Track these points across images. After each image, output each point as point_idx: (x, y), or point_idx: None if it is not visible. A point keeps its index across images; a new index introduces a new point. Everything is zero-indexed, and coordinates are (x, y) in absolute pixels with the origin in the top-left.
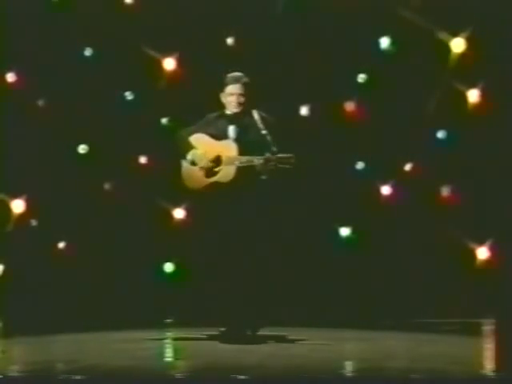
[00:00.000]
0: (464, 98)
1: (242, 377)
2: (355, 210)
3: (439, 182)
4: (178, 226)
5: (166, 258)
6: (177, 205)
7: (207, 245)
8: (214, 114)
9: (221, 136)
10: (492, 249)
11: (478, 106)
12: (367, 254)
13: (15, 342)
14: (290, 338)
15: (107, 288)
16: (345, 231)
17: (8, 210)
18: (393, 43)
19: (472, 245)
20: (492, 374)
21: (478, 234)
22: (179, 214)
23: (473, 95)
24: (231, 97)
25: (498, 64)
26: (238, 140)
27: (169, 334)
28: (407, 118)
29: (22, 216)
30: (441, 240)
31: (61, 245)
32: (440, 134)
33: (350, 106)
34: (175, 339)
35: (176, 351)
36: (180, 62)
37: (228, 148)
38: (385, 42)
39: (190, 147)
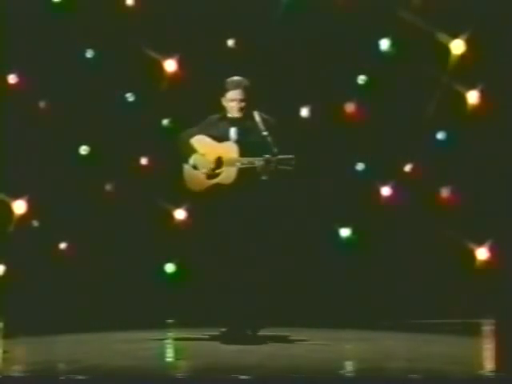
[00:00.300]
0: (463, 100)
1: (243, 377)
2: (355, 210)
3: (439, 182)
4: (179, 226)
5: (166, 258)
6: (178, 206)
7: (208, 245)
8: (216, 116)
9: (222, 138)
10: (492, 249)
11: (478, 107)
12: (367, 254)
13: (17, 342)
14: (290, 338)
15: (108, 288)
16: (345, 232)
17: (9, 210)
18: (393, 45)
19: (472, 245)
20: (492, 374)
21: (477, 234)
22: (180, 214)
23: (472, 96)
24: (232, 102)
25: (497, 65)
26: (239, 142)
27: (170, 335)
28: (407, 119)
29: (23, 217)
30: (440, 240)
31: (62, 245)
32: (440, 135)
33: (350, 107)
34: (176, 339)
35: (177, 351)
36: (181, 64)
37: (229, 150)
38: (385, 44)
39: (191, 149)
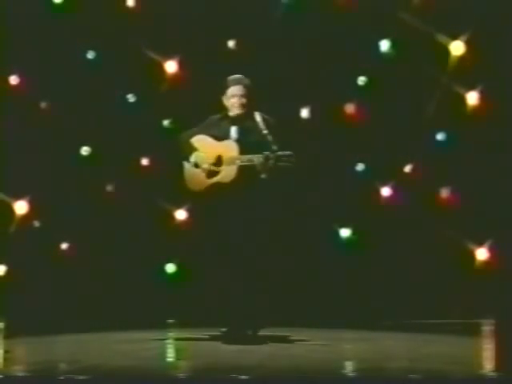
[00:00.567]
0: (463, 100)
1: (243, 377)
2: (355, 210)
3: (439, 183)
4: (180, 227)
5: (167, 258)
6: (178, 206)
7: (208, 246)
8: (217, 116)
9: (223, 137)
10: (491, 250)
11: (477, 108)
12: (367, 254)
13: (18, 343)
14: (291, 338)
15: (109, 288)
16: (345, 232)
17: (11, 211)
18: (393, 46)
19: (471, 245)
20: (492, 373)
21: (477, 234)
22: (181, 215)
23: (472, 97)
24: (233, 98)
25: (497, 66)
26: (239, 140)
27: (170, 335)
28: (407, 119)
29: (24, 217)
30: (440, 240)
31: (63, 246)
32: (439, 136)
33: (350, 108)
34: (176, 339)
35: (177, 351)
36: (181, 65)
37: (229, 148)
38: (385, 45)
39: (192, 149)
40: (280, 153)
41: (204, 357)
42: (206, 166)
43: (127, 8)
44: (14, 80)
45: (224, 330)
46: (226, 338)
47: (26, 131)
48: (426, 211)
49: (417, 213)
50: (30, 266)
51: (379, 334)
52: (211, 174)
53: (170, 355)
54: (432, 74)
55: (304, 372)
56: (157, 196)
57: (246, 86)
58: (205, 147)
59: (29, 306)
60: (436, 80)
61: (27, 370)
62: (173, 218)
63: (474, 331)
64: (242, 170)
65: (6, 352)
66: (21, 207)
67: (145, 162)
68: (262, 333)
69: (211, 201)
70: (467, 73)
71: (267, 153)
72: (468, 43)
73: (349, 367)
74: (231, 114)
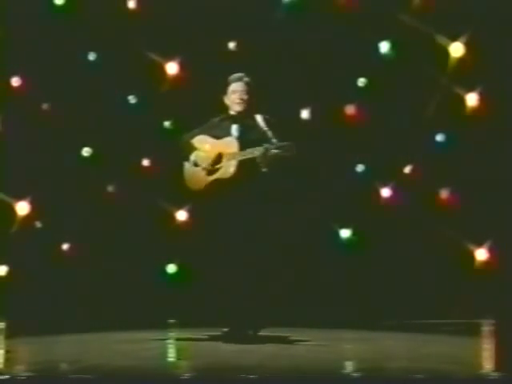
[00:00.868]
0: (463, 102)
1: (243, 377)
2: (355, 211)
3: (438, 183)
4: (181, 227)
5: (168, 259)
6: (179, 207)
7: (208, 246)
8: (218, 118)
9: (223, 136)
10: (491, 250)
11: (477, 109)
12: (367, 255)
13: (20, 342)
14: (291, 338)
15: (110, 289)
16: (345, 233)
17: (12, 211)
18: (392, 47)
19: (471, 246)
20: (492, 373)
21: (477, 235)
22: (181, 215)
23: (471, 99)
24: (234, 94)
25: (496, 68)
26: (240, 138)
27: (171, 335)
28: (407, 120)
29: (26, 218)
30: (440, 241)
31: (65, 246)
32: (439, 137)
33: (350, 109)
34: (177, 339)
35: (178, 351)
36: (182, 66)
37: (229, 145)
38: (384, 47)
39: (192, 149)
40: (280, 143)
41: (204, 357)
42: (205, 164)
43: (128, 9)
44: (15, 81)
45: (224, 330)
46: (226, 338)
47: (27, 132)
48: (426, 212)
49: (417, 213)
50: (31, 267)
51: (379, 334)
52: (211, 171)
53: (171, 355)
54: (432, 76)
55: (304, 372)
56: (157, 197)
57: (246, 83)
58: (205, 146)
59: (30, 306)
60: (436, 81)
61: (28, 369)
62: (173, 218)
63: (474, 331)
64: (242, 165)
65: (7, 352)
66: (22, 208)
67: (146, 162)
68: (262, 333)
69: (211, 198)
70: (467, 74)
71: (267, 144)
72: (467, 45)
73: (349, 367)
74: (232, 112)
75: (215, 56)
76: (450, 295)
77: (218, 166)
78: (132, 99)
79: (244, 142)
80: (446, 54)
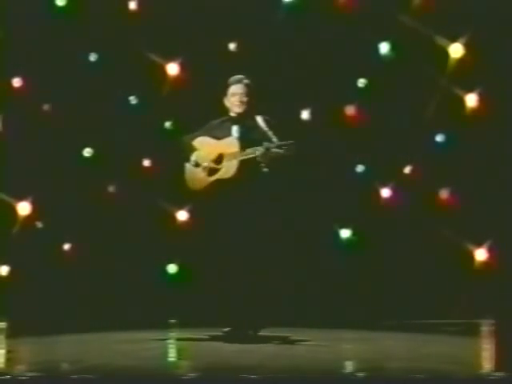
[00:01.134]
0: (462, 102)
1: (244, 376)
2: (355, 211)
3: (438, 184)
4: (181, 227)
5: (168, 259)
6: (180, 207)
7: (209, 246)
8: (218, 120)
9: (224, 137)
10: (490, 250)
11: (476, 110)
12: (367, 255)
13: (21, 342)
14: (291, 338)
15: (111, 289)
16: (345, 233)
17: (14, 212)
18: (392, 48)
19: (471, 246)
20: (492, 373)
21: (476, 235)
22: (182, 215)
23: (471, 99)
24: (234, 97)
25: (495, 68)
26: (240, 138)
27: (171, 335)
28: (406, 121)
29: (27, 218)
30: (440, 241)
31: (66, 246)
32: (439, 138)
33: (350, 110)
34: (178, 339)
35: (178, 351)
36: (183, 67)
37: (230, 145)
38: (384, 47)
39: (193, 150)
40: (280, 142)
41: (205, 357)
42: (206, 164)
43: (129, 10)
44: (17, 82)
45: (225, 329)
46: (226, 338)
47: (29, 133)
48: (426, 212)
49: (416, 213)
50: (31, 267)
51: (379, 334)
52: (212, 171)
53: (171, 355)
54: (431, 76)
55: (304, 372)
56: (158, 197)
57: (246, 85)
58: (206, 147)
59: (30, 305)
60: (435, 82)
61: (28, 369)
62: (174, 218)
63: (473, 331)
64: (243, 165)
65: (8, 352)
66: (23, 208)
67: (146, 163)
68: (262, 333)
69: (212, 198)
70: (466, 75)
71: (267, 143)
72: (467, 45)
73: (349, 367)
74: (232, 114)
75: (215, 57)
76: (449, 295)
77: (218, 167)
78: (133, 100)
79: (245, 142)
80: (446, 54)
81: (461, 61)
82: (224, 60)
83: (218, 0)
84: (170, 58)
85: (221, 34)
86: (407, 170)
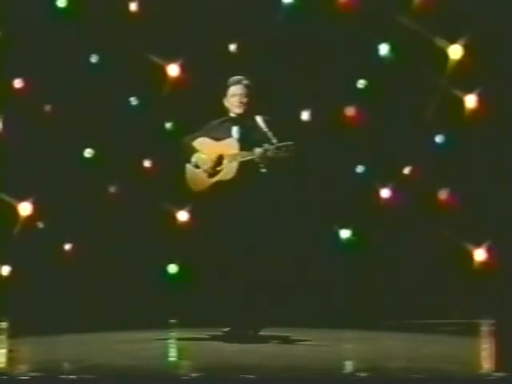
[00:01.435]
0: (462, 103)
1: (244, 376)
2: (355, 212)
3: (438, 184)
4: (182, 228)
5: (169, 259)
6: (180, 207)
7: (209, 246)
8: (218, 120)
9: (224, 138)
10: (490, 250)
11: (476, 111)
12: (367, 255)
13: (22, 342)
14: (291, 338)
15: (111, 289)
16: (345, 233)
17: (15, 212)
18: (392, 49)
19: (470, 246)
20: (492, 373)
21: (476, 235)
22: (183, 216)
23: (470, 100)
24: (234, 98)
25: (495, 69)
26: (240, 139)
27: (172, 335)
28: (406, 122)
29: (28, 218)
30: (440, 241)
31: (67, 246)
32: (438, 138)
33: (350, 111)
34: (178, 339)
35: (179, 351)
36: (183, 68)
37: (230, 146)
38: (384, 48)
39: (193, 151)
40: (279, 144)
41: (205, 357)
42: (206, 166)
43: (129, 11)
44: (18, 83)
45: (225, 329)
46: (226, 338)
47: (30, 133)
48: (426, 212)
49: (416, 214)
50: (32, 267)
51: (379, 334)
52: (212, 173)
53: (171, 355)
54: (431, 77)
55: (304, 372)
56: (159, 197)
57: (246, 86)
58: (206, 148)
59: (31, 305)
60: (435, 83)
61: (29, 369)
62: (175, 219)
63: (473, 331)
64: (243, 166)
65: (9, 351)
66: (25, 208)
67: (147, 163)
68: (262, 333)
69: (212, 198)
70: (465, 76)
71: (266, 145)
72: (466, 47)
73: (349, 367)
74: (232, 114)
75: (216, 57)
76: (449, 295)
77: (218, 168)
78: (133, 101)
79: (245, 143)
80: (445, 55)
81: (460, 62)
82: (224, 61)
83: (218, 1)
84: (171, 59)
85: (221, 35)
86: (407, 170)
